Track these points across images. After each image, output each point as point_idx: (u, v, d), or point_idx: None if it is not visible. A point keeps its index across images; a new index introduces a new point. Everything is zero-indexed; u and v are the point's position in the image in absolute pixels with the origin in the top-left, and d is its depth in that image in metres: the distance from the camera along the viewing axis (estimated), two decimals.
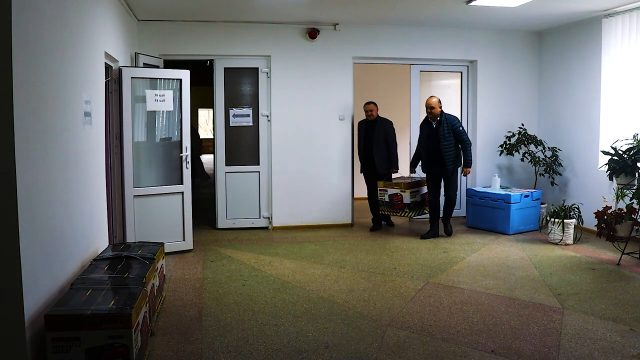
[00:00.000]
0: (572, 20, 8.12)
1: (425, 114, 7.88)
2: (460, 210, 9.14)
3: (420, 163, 8.10)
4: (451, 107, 9.29)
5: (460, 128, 7.52)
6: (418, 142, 8.11)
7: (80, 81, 4.50)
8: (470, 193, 8.50)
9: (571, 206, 7.38)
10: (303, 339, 4.25)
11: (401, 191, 7.93)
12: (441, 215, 8.00)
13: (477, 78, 8.99)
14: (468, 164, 7.64)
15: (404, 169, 8.89)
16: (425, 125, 7.82)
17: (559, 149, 8.55)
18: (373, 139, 8.16)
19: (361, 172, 8.50)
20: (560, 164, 8.53)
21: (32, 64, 3.34)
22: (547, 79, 9.02)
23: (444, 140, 7.48)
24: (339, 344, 4.16)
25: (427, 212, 8.06)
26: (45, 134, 3.60)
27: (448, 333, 4.36)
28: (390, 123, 8.25)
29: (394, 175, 8.47)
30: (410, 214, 7.98)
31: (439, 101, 7.56)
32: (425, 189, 8.08)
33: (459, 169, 7.82)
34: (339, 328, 4.46)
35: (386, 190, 8.08)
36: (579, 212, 7.37)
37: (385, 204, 8.15)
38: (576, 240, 7.35)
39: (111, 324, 3.29)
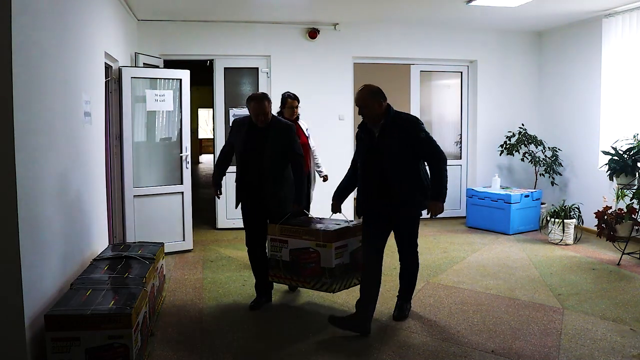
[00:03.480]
0: (572, 20, 8.12)
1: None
2: (460, 210, 9.14)
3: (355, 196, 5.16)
4: (451, 107, 9.32)
5: (423, 135, 4.33)
6: (352, 160, 4.82)
7: (80, 81, 4.50)
8: (470, 193, 8.49)
9: (571, 206, 7.38)
10: (304, 339, 4.25)
11: (318, 245, 4.54)
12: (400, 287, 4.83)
13: (477, 78, 8.99)
14: (439, 194, 4.37)
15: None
16: (364, 134, 4.50)
17: (559, 149, 8.55)
18: (264, 156, 4.84)
19: (237, 207, 5.21)
20: (561, 164, 8.53)
21: (32, 64, 3.34)
22: (547, 79, 9.02)
23: (394, 159, 4.32)
24: (340, 344, 4.16)
25: (358, 282, 4.69)
26: (45, 134, 3.60)
27: (448, 333, 4.35)
28: (291, 128, 5.01)
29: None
30: (333, 285, 4.53)
31: (378, 93, 4.36)
32: (357, 243, 4.69)
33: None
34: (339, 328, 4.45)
35: (285, 243, 4.73)
36: (579, 212, 7.37)
37: (282, 265, 4.78)
38: (576, 240, 7.35)
39: (111, 324, 3.29)
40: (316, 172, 6.42)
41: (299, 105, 6.15)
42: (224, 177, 5.32)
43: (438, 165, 4.36)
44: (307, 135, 6.23)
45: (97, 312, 3.31)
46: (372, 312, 4.42)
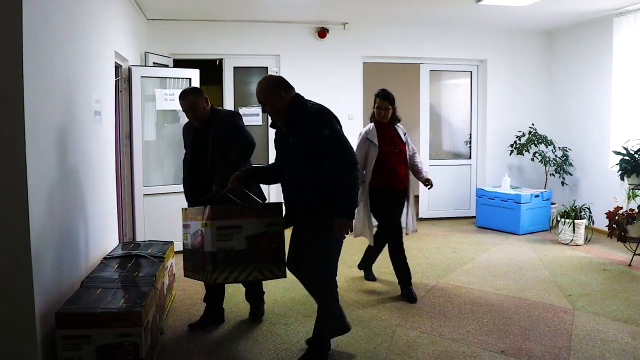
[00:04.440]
0: (582, 19, 8.07)
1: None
2: (469, 210, 9.11)
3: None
4: (461, 106, 9.29)
5: (328, 132, 3.56)
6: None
7: (90, 80, 4.52)
8: (480, 193, 8.46)
9: (582, 206, 7.34)
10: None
11: (203, 225, 3.64)
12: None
13: (487, 77, 8.96)
14: (344, 210, 3.60)
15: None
16: (276, 133, 3.94)
17: (569, 149, 8.50)
18: (210, 158, 4.29)
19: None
20: (571, 163, 8.48)
21: (42, 64, 3.35)
22: (557, 79, 8.98)
23: (297, 161, 3.67)
24: (349, 343, 4.15)
25: (263, 276, 3.73)
26: (56, 133, 3.61)
27: (458, 333, 4.34)
28: (233, 115, 4.48)
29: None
30: (214, 275, 3.60)
31: (279, 84, 3.74)
32: (262, 227, 3.68)
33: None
34: None
35: (188, 228, 3.89)
36: (590, 212, 7.33)
37: (188, 255, 3.92)
38: (587, 240, 7.30)
39: (121, 322, 3.30)
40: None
41: (392, 106, 5.23)
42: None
43: (343, 172, 3.53)
44: (404, 141, 5.33)
45: (107, 311, 3.32)
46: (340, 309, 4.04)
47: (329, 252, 3.80)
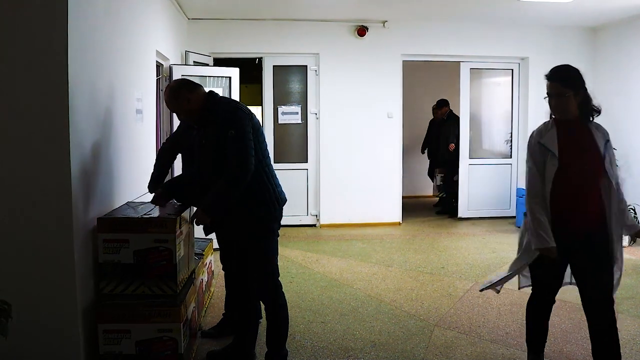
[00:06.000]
0: (629, 15, 7.85)
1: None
2: (510, 210, 8.98)
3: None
4: (502, 105, 9.17)
5: (233, 132, 3.36)
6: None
7: (132, 79, 4.59)
8: (521, 193, 8.33)
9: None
10: (350, 337, 4.25)
11: None
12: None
13: (529, 75, 8.80)
14: (205, 203, 3.47)
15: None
16: (195, 134, 3.72)
17: (613, 148, 8.28)
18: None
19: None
20: (616, 164, 8.27)
21: (87, 62, 3.41)
22: (602, 77, 8.76)
23: (210, 163, 3.52)
24: (386, 342, 4.14)
25: (157, 291, 3.46)
26: (99, 131, 3.67)
27: (497, 334, 4.29)
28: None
29: None
30: (100, 285, 3.46)
31: (181, 87, 3.58)
32: (150, 242, 3.45)
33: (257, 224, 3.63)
34: (386, 327, 4.44)
35: None
36: (635, 213, 7.15)
37: None
38: (631, 242, 7.13)
39: (161, 317, 3.35)
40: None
41: (572, 91, 3.49)
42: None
43: (227, 175, 3.36)
44: (601, 150, 3.52)
45: (147, 305, 3.38)
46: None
47: (263, 249, 3.62)
